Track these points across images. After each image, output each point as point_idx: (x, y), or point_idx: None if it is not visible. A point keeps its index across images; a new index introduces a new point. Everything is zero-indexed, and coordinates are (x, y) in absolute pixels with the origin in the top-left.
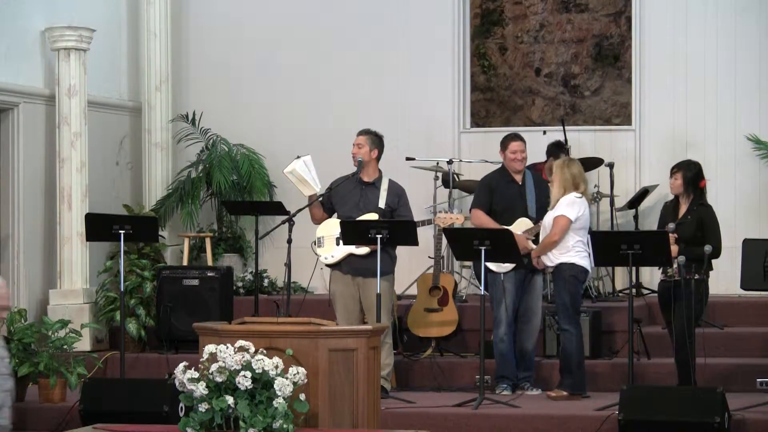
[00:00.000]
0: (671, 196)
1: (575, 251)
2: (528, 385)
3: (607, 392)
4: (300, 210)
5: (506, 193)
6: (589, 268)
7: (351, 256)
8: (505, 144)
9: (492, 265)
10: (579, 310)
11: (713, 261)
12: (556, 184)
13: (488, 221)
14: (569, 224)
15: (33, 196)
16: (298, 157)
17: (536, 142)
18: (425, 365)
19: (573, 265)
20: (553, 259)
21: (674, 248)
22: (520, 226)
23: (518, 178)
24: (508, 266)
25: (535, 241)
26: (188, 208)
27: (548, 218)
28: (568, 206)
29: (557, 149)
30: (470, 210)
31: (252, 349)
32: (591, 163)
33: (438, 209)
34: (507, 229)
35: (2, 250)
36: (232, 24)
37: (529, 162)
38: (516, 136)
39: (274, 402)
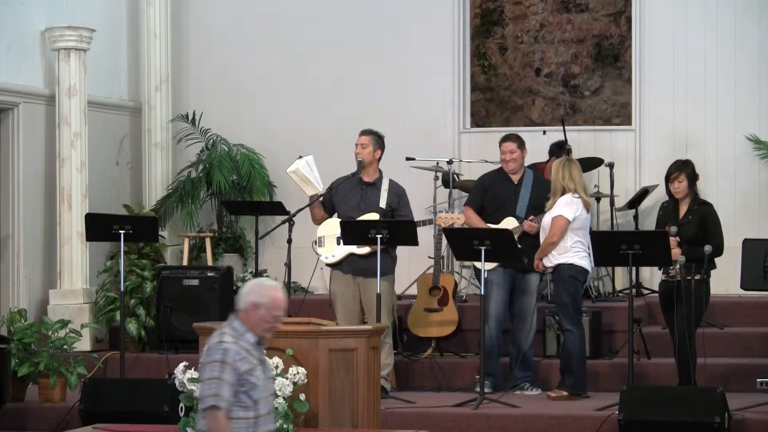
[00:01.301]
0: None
1: (574, 251)
2: (528, 385)
3: (607, 392)
4: (300, 210)
5: (499, 193)
6: (588, 268)
7: (351, 255)
8: (499, 144)
9: (477, 263)
10: (580, 310)
11: (716, 259)
12: (553, 184)
13: (476, 220)
14: (567, 224)
15: (33, 196)
16: (300, 156)
17: (536, 142)
18: (425, 365)
19: (571, 265)
20: (552, 260)
21: (677, 251)
22: (506, 226)
23: (515, 177)
24: (492, 263)
25: (520, 241)
26: (188, 208)
27: (546, 219)
28: (566, 206)
29: (559, 149)
30: (463, 207)
31: None
32: (591, 163)
33: (438, 209)
34: (507, 230)
35: (2, 250)
36: (232, 24)
37: (529, 162)
38: (507, 137)
39: (274, 402)
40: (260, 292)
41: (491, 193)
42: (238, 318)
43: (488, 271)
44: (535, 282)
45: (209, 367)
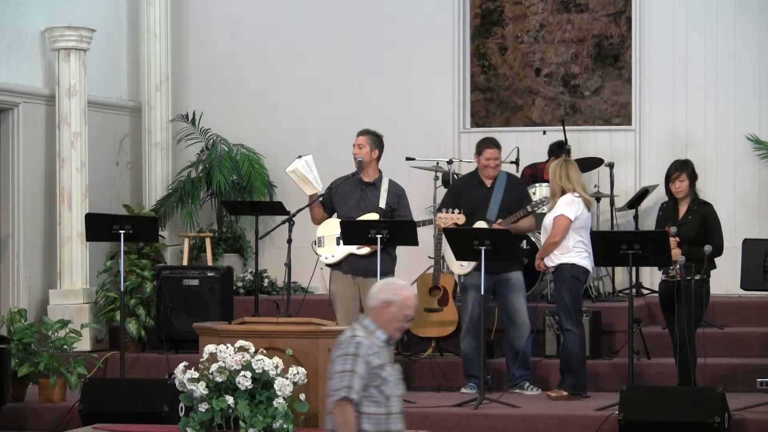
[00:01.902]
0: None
1: (576, 251)
2: (527, 384)
3: (607, 392)
4: (300, 210)
5: (472, 197)
6: (590, 268)
7: (351, 255)
8: (480, 149)
9: (453, 267)
10: (581, 310)
11: (716, 259)
12: (551, 186)
13: None
14: (569, 224)
15: (33, 196)
16: (300, 156)
17: (536, 142)
18: (425, 365)
19: (573, 265)
20: (554, 259)
21: (677, 251)
22: None
23: (488, 181)
24: (468, 266)
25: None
26: (188, 208)
27: (548, 219)
28: (567, 206)
29: (559, 149)
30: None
31: (252, 349)
32: (591, 163)
33: (438, 209)
34: (507, 230)
35: (2, 250)
36: (232, 24)
37: (529, 162)
38: (492, 143)
39: (274, 402)
40: (392, 290)
41: (464, 198)
42: (368, 316)
43: (465, 275)
44: (517, 279)
45: (341, 360)
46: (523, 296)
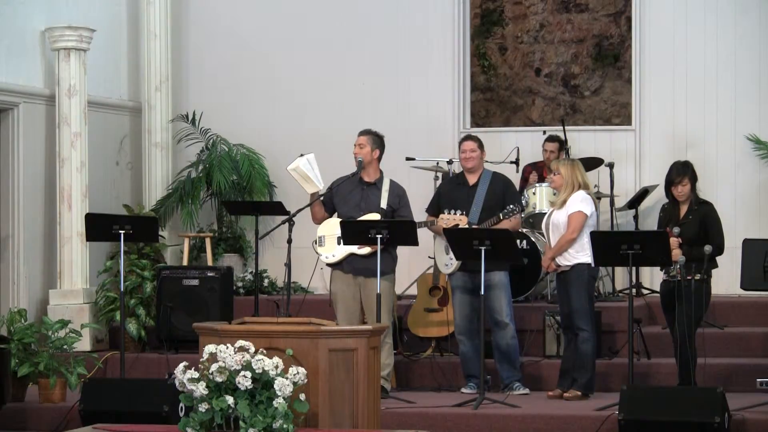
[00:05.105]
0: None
1: (589, 250)
2: (516, 384)
3: (607, 392)
4: (300, 210)
5: (452, 197)
6: None
7: (352, 255)
8: (459, 145)
9: (440, 266)
10: (593, 310)
11: (717, 258)
12: (566, 184)
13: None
14: (586, 220)
15: (33, 196)
16: (302, 155)
17: (536, 142)
18: (425, 365)
19: (590, 264)
20: (570, 258)
21: (677, 251)
22: None
23: (471, 179)
24: (452, 266)
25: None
26: (188, 208)
27: (560, 217)
28: (583, 202)
29: (554, 142)
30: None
31: (252, 349)
32: (591, 163)
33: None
34: (507, 230)
35: (2, 250)
36: (232, 24)
37: (529, 161)
38: (468, 137)
39: (274, 402)
40: None
41: (445, 198)
42: None
43: (449, 275)
44: (499, 279)
45: None
46: (506, 296)
